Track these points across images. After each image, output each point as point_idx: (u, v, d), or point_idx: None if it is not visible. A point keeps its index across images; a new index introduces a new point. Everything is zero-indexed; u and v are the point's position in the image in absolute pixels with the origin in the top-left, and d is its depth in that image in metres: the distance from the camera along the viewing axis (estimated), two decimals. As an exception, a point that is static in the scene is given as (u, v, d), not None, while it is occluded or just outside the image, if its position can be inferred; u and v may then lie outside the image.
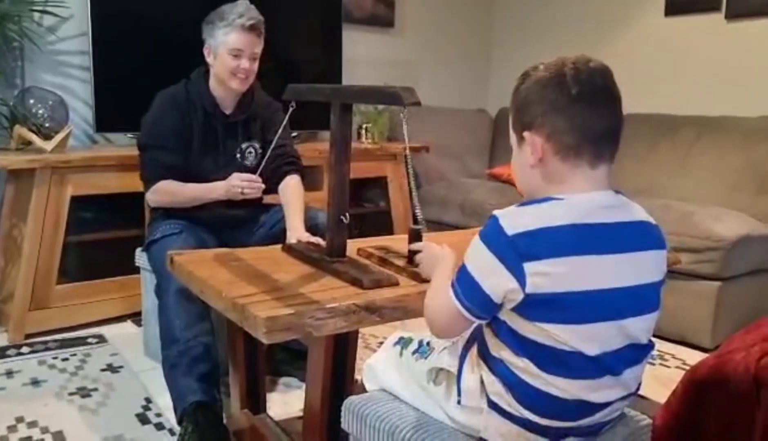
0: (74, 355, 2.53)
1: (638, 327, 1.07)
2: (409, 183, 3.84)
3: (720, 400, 1.16)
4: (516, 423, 1.10)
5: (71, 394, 2.21)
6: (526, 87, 1.09)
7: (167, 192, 2.23)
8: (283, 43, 3.40)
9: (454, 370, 1.19)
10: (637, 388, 1.14)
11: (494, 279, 1.02)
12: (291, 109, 1.71)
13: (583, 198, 1.04)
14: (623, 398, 1.12)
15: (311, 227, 2.10)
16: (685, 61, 3.71)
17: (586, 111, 1.03)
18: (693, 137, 3.41)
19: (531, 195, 1.11)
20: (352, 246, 1.68)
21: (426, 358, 1.30)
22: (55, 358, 2.50)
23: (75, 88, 3.11)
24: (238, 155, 2.33)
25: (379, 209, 3.83)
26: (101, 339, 2.70)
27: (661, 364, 2.61)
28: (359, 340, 1.80)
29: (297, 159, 2.40)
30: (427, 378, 1.25)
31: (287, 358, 2.38)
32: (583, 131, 1.04)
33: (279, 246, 1.79)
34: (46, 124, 2.78)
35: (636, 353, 1.09)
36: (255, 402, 1.87)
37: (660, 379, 2.43)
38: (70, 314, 2.77)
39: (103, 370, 2.41)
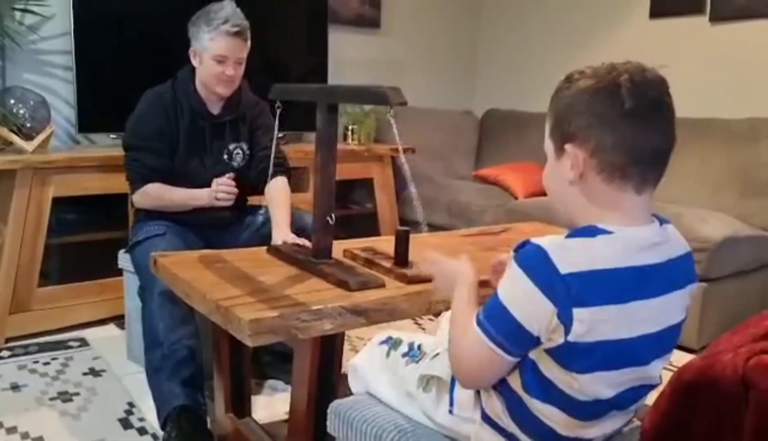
0: (55, 358, 2.49)
1: (656, 368, 1.04)
2: (396, 185, 3.83)
3: (708, 401, 1.16)
4: (508, 438, 1.08)
5: (52, 398, 2.18)
6: (571, 93, 0.98)
7: (154, 196, 2.21)
8: (270, 43, 3.38)
9: (447, 378, 1.16)
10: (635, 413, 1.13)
11: (539, 314, 0.93)
12: (279, 111, 1.70)
13: (632, 234, 0.97)
14: (623, 422, 1.11)
15: (297, 229, 2.09)
16: (670, 63, 3.71)
17: (637, 128, 0.93)
18: (678, 139, 3.41)
19: (566, 212, 1.03)
20: (338, 247, 1.66)
21: (417, 362, 1.27)
22: (36, 362, 2.46)
23: (57, 88, 3.08)
24: (226, 156, 2.31)
25: (366, 211, 3.81)
26: (83, 342, 2.66)
27: (647, 366, 2.61)
28: (345, 343, 1.78)
29: (284, 160, 2.39)
30: (417, 384, 1.23)
31: (272, 361, 2.36)
32: (632, 151, 0.94)
33: (264, 247, 1.77)
34: (28, 125, 2.74)
35: (646, 390, 1.07)
36: (240, 406, 1.84)
37: (646, 381, 2.43)
38: (52, 317, 2.73)
39: (85, 374, 2.37)
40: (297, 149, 3.20)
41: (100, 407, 2.13)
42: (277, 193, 2.25)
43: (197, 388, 1.92)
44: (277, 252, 1.71)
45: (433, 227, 3.56)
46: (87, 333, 2.75)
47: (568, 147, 0.98)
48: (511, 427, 1.06)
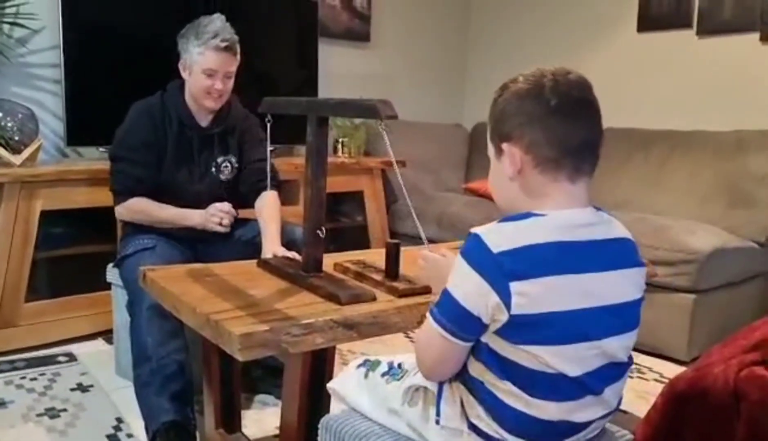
0: (43, 374, 2.46)
1: (618, 346, 1.07)
2: (386, 198, 3.83)
3: (700, 413, 1.15)
4: None
5: (39, 415, 2.15)
6: (504, 98, 1.08)
7: (140, 211, 2.20)
8: (260, 57, 3.39)
9: (434, 388, 1.16)
10: (618, 405, 1.14)
11: (479, 297, 0.99)
12: (269, 124, 1.70)
13: (564, 215, 1.03)
14: (605, 416, 1.11)
15: (288, 242, 2.08)
16: (658, 76, 3.76)
17: (564, 123, 1.02)
18: (666, 152, 3.45)
19: (509, 209, 1.09)
20: (329, 260, 1.66)
21: (398, 379, 1.26)
22: (23, 377, 2.43)
23: (46, 101, 3.06)
24: (214, 169, 2.30)
25: (356, 224, 3.81)
26: (71, 357, 2.63)
27: (639, 377, 2.61)
28: (336, 357, 1.77)
29: (275, 174, 2.38)
30: (402, 399, 1.22)
31: (263, 376, 2.34)
32: (562, 144, 1.03)
33: (254, 261, 1.76)
34: (15, 138, 2.72)
35: (615, 371, 1.08)
36: (230, 421, 1.83)
37: (638, 393, 2.43)
38: (39, 332, 2.70)
39: (72, 389, 2.34)
40: (287, 162, 3.20)
41: (88, 423, 2.11)
42: (267, 207, 2.24)
43: (186, 403, 1.90)
44: (267, 265, 1.70)
45: (421, 240, 3.56)
46: (75, 348, 2.72)
47: (505, 146, 1.06)
48: (495, 428, 1.06)
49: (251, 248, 2.24)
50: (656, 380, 2.59)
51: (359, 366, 1.38)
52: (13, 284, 2.62)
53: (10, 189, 2.57)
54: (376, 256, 1.71)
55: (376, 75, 4.28)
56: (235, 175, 2.34)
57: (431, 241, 3.43)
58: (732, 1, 3.40)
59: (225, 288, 1.50)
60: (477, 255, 0.99)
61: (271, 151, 2.41)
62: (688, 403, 1.19)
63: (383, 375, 1.31)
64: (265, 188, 2.29)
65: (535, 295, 0.97)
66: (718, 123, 3.39)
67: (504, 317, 0.98)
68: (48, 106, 3.06)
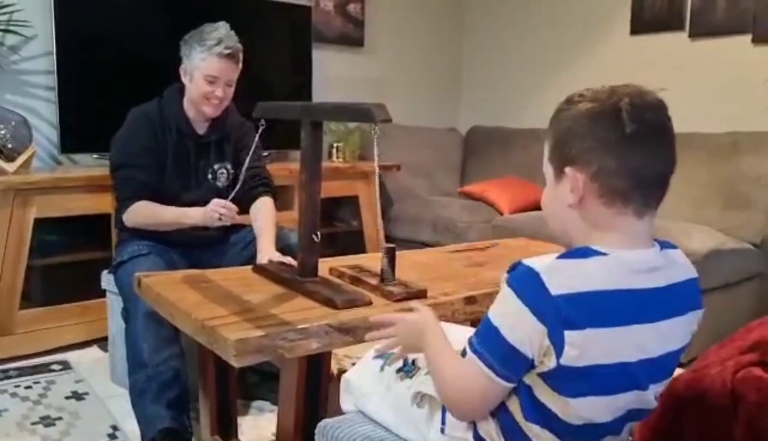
0: (37, 382, 2.45)
1: (653, 392, 1.02)
2: (379, 201, 3.83)
3: (698, 415, 1.15)
4: None
5: (34, 423, 2.14)
6: (571, 116, 0.97)
7: (145, 214, 2.18)
8: (254, 62, 3.36)
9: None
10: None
11: (530, 334, 0.91)
12: (261, 128, 1.69)
13: (628, 257, 0.95)
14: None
15: (283, 247, 2.08)
16: (652, 79, 3.74)
17: (640, 153, 0.93)
18: (660, 154, 3.45)
19: (563, 236, 1.02)
20: (324, 265, 1.65)
21: (411, 377, 1.25)
22: (17, 386, 2.41)
23: (39, 109, 3.05)
24: (210, 176, 2.30)
25: (351, 228, 3.81)
26: (66, 365, 2.62)
27: (635, 380, 2.61)
28: (333, 362, 1.77)
29: (269, 180, 2.38)
30: (410, 401, 1.21)
31: (259, 381, 2.33)
32: (635, 175, 0.94)
33: (250, 266, 1.76)
34: (9, 145, 2.71)
35: (641, 415, 1.05)
36: (226, 427, 1.82)
37: (634, 395, 2.43)
38: (34, 340, 2.68)
39: (67, 397, 2.33)
40: (282, 167, 3.19)
41: (83, 431, 2.09)
42: (262, 213, 2.24)
43: (182, 410, 1.89)
44: (263, 271, 1.69)
45: (418, 244, 3.57)
46: (70, 356, 2.71)
47: (568, 170, 0.96)
48: None
49: (247, 254, 2.24)
50: (653, 382, 2.58)
51: (376, 357, 1.36)
52: (7, 292, 2.60)
53: (4, 196, 2.56)
54: (372, 260, 1.70)
55: (371, 79, 4.28)
56: (232, 182, 2.34)
57: (427, 245, 3.43)
58: (724, 3, 3.41)
59: (220, 294, 1.49)
60: (533, 292, 0.91)
61: (265, 156, 2.42)
62: (686, 405, 1.19)
63: (398, 370, 1.29)
64: (260, 194, 2.29)
65: (588, 348, 0.91)
66: (711, 125, 3.39)
67: (551, 364, 0.91)
68: (41, 113, 3.05)
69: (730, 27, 3.39)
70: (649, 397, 1.01)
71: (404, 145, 4.04)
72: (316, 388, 1.49)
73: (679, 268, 1.02)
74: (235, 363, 1.20)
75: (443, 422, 1.12)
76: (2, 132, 2.71)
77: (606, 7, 3.94)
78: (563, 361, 0.90)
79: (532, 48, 4.28)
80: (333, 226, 3.84)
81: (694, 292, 1.03)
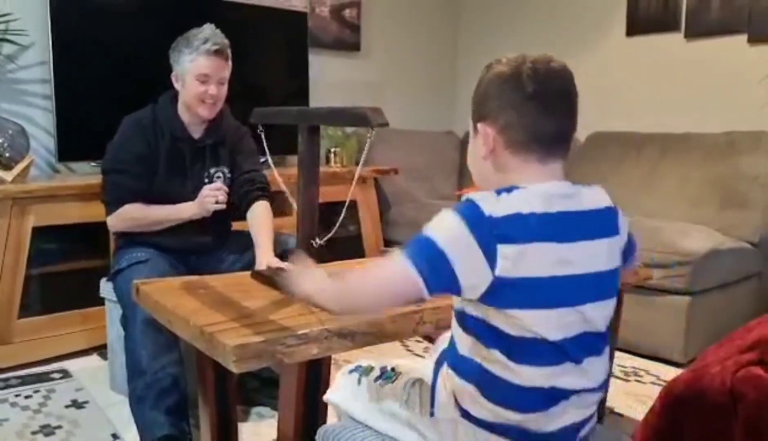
0: (37, 391, 2.44)
1: (597, 313, 1.08)
2: (380, 207, 3.83)
3: (698, 414, 1.16)
4: (487, 429, 1.08)
5: (34, 432, 2.13)
6: (487, 79, 1.12)
7: (130, 217, 2.19)
8: (250, 67, 3.39)
9: (428, 380, 1.18)
10: (605, 385, 1.14)
11: (467, 261, 1.00)
12: (260, 134, 1.69)
13: (542, 187, 1.06)
14: (590, 391, 1.10)
15: (282, 253, 2.08)
16: (648, 80, 3.78)
17: (537, 111, 1.06)
18: (658, 154, 3.46)
19: (483, 183, 1.14)
20: (323, 270, 1.65)
21: (393, 382, 1.27)
22: (17, 395, 2.41)
23: (36, 117, 3.05)
24: (207, 180, 2.30)
25: (350, 233, 3.80)
26: (65, 374, 2.61)
27: (636, 381, 2.61)
28: (333, 367, 1.77)
29: (266, 185, 2.38)
30: (399, 399, 1.22)
31: (259, 387, 2.33)
32: (533, 131, 1.06)
33: (248, 272, 1.76)
34: (6, 154, 2.71)
35: (595, 340, 1.10)
36: (226, 434, 1.81)
37: (637, 396, 2.43)
38: (33, 349, 2.68)
39: (67, 406, 2.33)
40: (279, 172, 3.17)
41: (84, 439, 2.09)
42: (259, 218, 2.24)
43: (182, 417, 1.89)
44: (261, 276, 1.69)
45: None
46: (69, 364, 2.70)
47: (480, 126, 1.11)
48: (485, 404, 1.07)
49: (245, 260, 2.24)
50: (653, 383, 2.58)
51: (351, 371, 1.38)
52: (6, 301, 2.60)
53: (2, 206, 2.56)
54: (370, 264, 1.70)
55: (367, 84, 4.29)
56: (228, 186, 2.34)
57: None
58: (719, 3, 3.42)
59: (219, 300, 1.49)
60: (470, 214, 1.01)
61: (262, 161, 2.42)
62: (685, 405, 1.19)
63: (376, 379, 1.31)
64: (256, 199, 2.29)
65: (519, 260, 1.00)
66: (708, 125, 3.40)
67: (488, 281, 1.00)
68: (38, 122, 3.05)
69: (726, 27, 3.40)
70: (592, 319, 1.07)
71: (401, 148, 4.05)
72: (316, 394, 1.49)
73: (594, 197, 1.12)
74: (235, 369, 1.20)
75: (432, 406, 1.15)
76: (0, 141, 2.72)
77: (601, 9, 3.95)
78: (498, 272, 1.00)
79: (528, 50, 4.27)
80: (331, 231, 3.83)
81: (611, 220, 1.13)
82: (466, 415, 1.10)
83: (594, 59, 3.97)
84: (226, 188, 2.14)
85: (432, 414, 1.15)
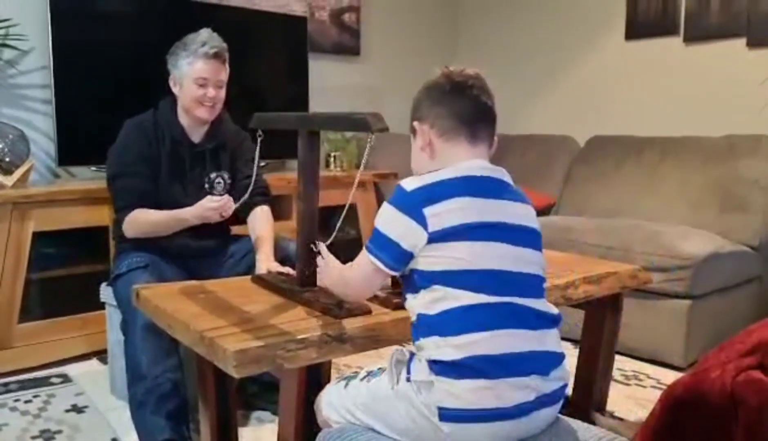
0: (37, 396, 2.44)
1: (529, 256, 1.24)
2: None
3: (698, 418, 1.15)
4: (457, 371, 1.13)
5: (34, 437, 2.13)
6: (418, 92, 1.35)
7: (139, 222, 2.19)
8: (250, 72, 3.40)
9: (406, 354, 1.25)
10: (558, 316, 1.26)
11: (402, 229, 1.20)
12: (260, 140, 1.70)
13: (465, 162, 1.26)
14: (548, 322, 1.22)
15: (282, 258, 2.08)
16: (647, 83, 3.79)
17: (457, 99, 1.28)
18: (657, 158, 3.47)
19: (421, 172, 1.29)
20: (323, 274, 1.65)
21: (380, 376, 1.28)
22: (16, 400, 2.41)
23: (36, 122, 3.06)
24: (207, 185, 2.30)
25: (350, 237, 3.80)
26: (65, 378, 2.61)
27: (636, 385, 2.61)
28: (333, 371, 1.77)
29: (266, 189, 2.38)
30: (389, 383, 1.23)
31: (259, 392, 2.33)
32: (457, 114, 1.28)
33: (248, 277, 1.76)
34: (6, 159, 2.71)
35: (532, 280, 1.23)
36: (226, 438, 1.81)
37: (637, 400, 2.43)
38: (33, 354, 2.68)
39: (67, 410, 2.32)
40: (279, 177, 3.20)
41: (83, 445, 2.09)
42: (260, 222, 2.24)
43: (182, 422, 1.89)
44: (261, 281, 1.69)
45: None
46: (69, 369, 2.70)
47: (416, 124, 1.33)
48: (450, 343, 1.14)
49: (245, 264, 2.24)
50: (654, 387, 2.58)
51: (339, 381, 1.39)
52: (6, 306, 2.60)
53: (2, 210, 2.56)
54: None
55: (367, 88, 4.29)
56: (228, 190, 2.34)
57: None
58: (718, 8, 3.43)
59: (219, 305, 1.49)
60: (397, 197, 1.22)
61: (262, 166, 2.42)
62: (686, 409, 1.19)
63: (362, 379, 1.32)
64: (256, 203, 2.29)
65: (445, 213, 1.18)
66: (707, 128, 3.41)
67: (425, 238, 1.18)
68: (39, 126, 3.06)
69: (725, 31, 3.41)
70: (527, 256, 1.23)
71: (401, 153, 4.02)
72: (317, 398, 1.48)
73: (507, 176, 1.31)
74: (235, 374, 1.20)
75: (408, 372, 1.21)
76: (0, 146, 2.72)
77: (601, 13, 3.96)
78: (430, 229, 1.18)
79: (528, 55, 4.30)
80: (331, 236, 3.84)
81: (522, 193, 1.31)
82: (436, 367, 1.15)
83: (593, 63, 3.97)
84: (232, 205, 2.11)
85: (408, 379, 1.20)
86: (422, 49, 4.59)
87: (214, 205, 2.07)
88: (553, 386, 1.20)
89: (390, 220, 1.22)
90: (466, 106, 1.29)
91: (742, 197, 3.10)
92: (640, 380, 2.65)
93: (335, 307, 1.41)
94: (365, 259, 1.27)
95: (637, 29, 3.77)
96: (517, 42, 4.37)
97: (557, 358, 1.22)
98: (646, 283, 2.08)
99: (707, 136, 3.35)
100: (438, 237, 1.17)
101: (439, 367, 1.15)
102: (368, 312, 1.43)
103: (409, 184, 1.23)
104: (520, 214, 1.26)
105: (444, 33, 4.70)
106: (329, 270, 1.43)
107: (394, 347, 1.31)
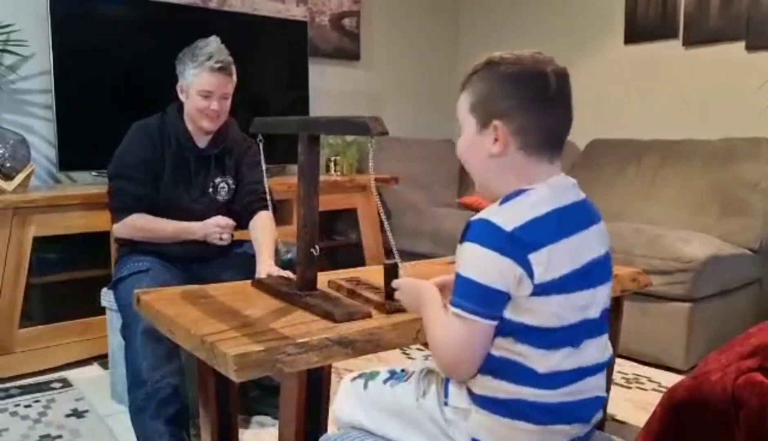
0: (37, 401, 2.44)
1: (606, 293, 1.14)
2: (379, 214, 3.83)
3: (699, 422, 1.15)
4: (502, 415, 1.08)
5: (34, 442, 2.13)
6: (498, 75, 1.10)
7: (141, 227, 2.20)
8: (251, 78, 3.39)
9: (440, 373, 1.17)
10: (611, 359, 1.19)
11: (500, 272, 1.01)
12: (260, 144, 1.70)
13: (551, 182, 1.09)
14: (602, 367, 1.14)
15: (283, 263, 2.08)
16: (646, 87, 3.79)
17: (553, 113, 1.08)
18: (657, 161, 3.47)
19: (485, 184, 1.15)
20: (323, 278, 1.65)
21: (405, 380, 1.25)
22: (17, 405, 2.41)
23: (37, 127, 3.06)
24: (211, 189, 2.31)
25: (351, 241, 3.81)
26: (66, 383, 2.61)
27: (637, 388, 2.60)
28: (333, 375, 1.76)
29: (270, 195, 2.38)
30: (415, 394, 1.20)
31: (260, 396, 2.33)
32: (549, 131, 1.09)
33: (249, 281, 1.76)
34: (7, 164, 2.72)
35: (600, 321, 1.13)
36: (227, 443, 1.81)
37: (638, 403, 2.43)
38: (34, 359, 2.68)
39: (68, 415, 2.32)
40: (280, 182, 3.20)
41: (84, 450, 2.09)
42: (261, 227, 2.24)
43: (182, 426, 1.89)
44: (262, 285, 1.69)
45: (417, 256, 3.57)
46: (70, 373, 2.70)
47: (497, 122, 1.08)
48: (502, 385, 1.07)
49: (246, 269, 2.24)
50: (655, 390, 2.58)
51: (355, 379, 1.36)
52: (7, 311, 2.60)
53: (3, 215, 2.56)
54: (370, 273, 1.71)
55: (367, 92, 4.30)
56: (232, 196, 2.35)
57: (425, 257, 3.43)
58: (717, 11, 3.44)
59: (220, 309, 1.49)
60: (490, 236, 1.02)
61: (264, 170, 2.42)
62: (687, 412, 1.19)
63: (385, 381, 1.29)
64: (258, 209, 2.30)
65: (549, 262, 1.02)
66: (707, 132, 3.41)
67: (527, 291, 1.02)
68: (39, 131, 3.06)
69: (724, 34, 3.41)
70: (602, 298, 1.12)
71: (401, 157, 4.05)
72: (317, 402, 1.48)
73: (579, 189, 1.16)
74: (236, 378, 1.20)
75: (446, 395, 1.14)
76: (0, 151, 2.72)
77: (600, 16, 3.96)
78: (537, 280, 1.02)
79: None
80: (332, 240, 3.84)
81: (593, 206, 1.17)
82: (478, 400, 1.09)
83: (592, 67, 3.98)
84: (233, 224, 2.20)
85: (446, 404, 1.14)
86: (422, 53, 4.60)
87: (222, 224, 2.16)
88: (587, 429, 1.16)
89: (480, 263, 1.02)
90: (560, 120, 1.10)
91: (742, 200, 3.10)
92: (641, 383, 2.65)
93: (335, 311, 1.41)
94: (451, 316, 1.06)
95: (636, 33, 3.78)
96: (518, 46, 4.34)
97: (600, 402, 1.16)
98: (646, 287, 2.08)
99: (707, 140, 3.35)
100: (540, 290, 1.02)
101: (481, 400, 1.10)
102: (368, 316, 1.43)
103: (501, 219, 1.02)
104: (600, 239, 1.13)
105: (444, 38, 4.71)
106: (411, 302, 1.24)
107: (420, 355, 1.29)
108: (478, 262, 1.03)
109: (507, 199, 1.07)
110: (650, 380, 2.69)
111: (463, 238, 1.06)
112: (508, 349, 1.06)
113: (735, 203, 3.12)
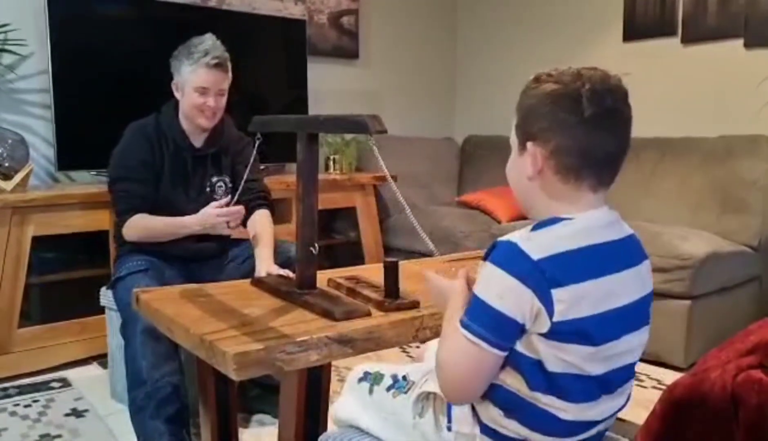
0: (37, 400, 2.44)
1: (637, 341, 1.07)
2: (379, 213, 3.82)
3: (699, 419, 1.15)
4: None
5: (34, 442, 2.13)
6: (537, 94, 1.04)
7: (140, 227, 2.19)
8: (249, 76, 3.39)
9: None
10: (628, 399, 1.15)
11: (519, 301, 0.95)
12: (258, 142, 1.70)
13: (589, 217, 1.02)
14: (618, 410, 1.11)
15: (283, 261, 2.08)
16: (645, 85, 3.79)
17: (593, 134, 1.00)
18: (656, 159, 3.47)
19: (526, 203, 1.09)
20: (322, 277, 1.65)
21: (406, 392, 1.24)
22: (16, 404, 2.40)
23: (35, 127, 3.06)
24: (208, 189, 2.31)
25: (350, 240, 3.81)
26: (65, 383, 2.61)
27: (637, 385, 2.61)
28: (333, 373, 1.77)
29: (266, 194, 2.38)
30: (412, 412, 1.20)
31: (260, 395, 2.33)
32: (587, 155, 1.00)
33: (248, 280, 1.76)
34: (6, 164, 2.72)
35: (628, 370, 1.09)
36: (227, 442, 1.81)
37: (637, 401, 2.41)
38: (33, 358, 2.68)
39: (67, 415, 2.32)
40: (279, 180, 3.20)
41: (84, 449, 2.09)
42: (260, 226, 2.24)
43: (182, 426, 1.89)
44: (261, 284, 1.69)
45: (416, 254, 3.57)
46: (69, 373, 2.70)
47: (529, 145, 1.03)
48: (512, 425, 1.04)
49: (245, 268, 2.24)
50: (654, 387, 2.58)
51: (360, 380, 1.36)
52: (6, 310, 2.60)
53: (2, 215, 2.56)
54: (369, 271, 1.70)
55: (366, 91, 4.30)
56: (230, 195, 2.34)
57: (425, 255, 3.44)
58: (715, 9, 3.44)
59: (219, 308, 1.49)
60: (516, 262, 0.96)
61: (261, 169, 2.42)
62: (686, 409, 1.19)
63: (389, 389, 1.29)
64: (256, 208, 2.29)
65: (572, 302, 0.96)
66: (705, 129, 3.41)
67: (545, 327, 0.96)
68: (38, 131, 3.06)
69: (722, 32, 3.41)
70: (635, 346, 1.07)
71: (400, 155, 4.05)
72: (317, 401, 1.49)
73: (624, 226, 1.09)
74: (235, 377, 1.20)
75: (449, 420, 1.12)
76: (-1, 151, 2.72)
77: (598, 14, 3.96)
78: (555, 318, 0.95)
79: (526, 56, 4.30)
80: (331, 238, 3.84)
81: (639, 245, 1.11)
82: (486, 430, 1.07)
83: (591, 64, 3.97)
84: (242, 211, 2.10)
85: (449, 429, 1.12)
86: (421, 51, 4.59)
87: (218, 213, 2.06)
88: None
89: (499, 288, 0.96)
90: (600, 144, 1.01)
91: (741, 198, 3.11)
92: (641, 381, 2.65)
93: (334, 310, 1.41)
94: (458, 334, 1.00)
95: (634, 30, 3.78)
96: (516, 44, 4.38)
97: (609, 422, 1.13)
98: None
99: (705, 137, 3.35)
100: (558, 330, 0.96)
101: (490, 432, 1.07)
102: (368, 314, 1.43)
103: (530, 246, 0.96)
104: (636, 282, 1.06)
105: (442, 36, 4.71)
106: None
107: (422, 370, 1.26)
108: (497, 286, 0.97)
109: (540, 225, 1.01)
110: (649, 377, 2.69)
111: (487, 256, 1.00)
112: (521, 388, 1.01)
113: (734, 201, 3.12)
